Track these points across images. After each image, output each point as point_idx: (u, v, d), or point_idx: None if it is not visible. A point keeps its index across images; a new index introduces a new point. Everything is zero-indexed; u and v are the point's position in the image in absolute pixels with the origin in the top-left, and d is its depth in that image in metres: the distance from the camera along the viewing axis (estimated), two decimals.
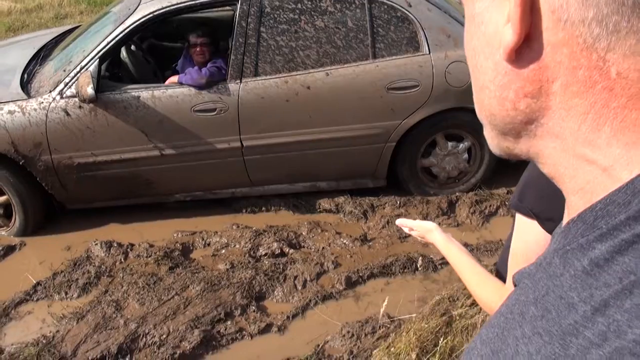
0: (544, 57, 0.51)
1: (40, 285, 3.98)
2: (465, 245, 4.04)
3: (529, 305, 0.52)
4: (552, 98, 0.53)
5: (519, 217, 1.42)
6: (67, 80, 4.18)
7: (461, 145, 4.47)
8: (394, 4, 4.07)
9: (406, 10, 4.08)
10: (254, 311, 3.66)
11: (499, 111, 0.57)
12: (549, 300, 0.50)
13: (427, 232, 1.75)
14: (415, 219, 4.21)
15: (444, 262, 3.96)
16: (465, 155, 4.53)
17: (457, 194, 4.60)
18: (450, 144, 4.46)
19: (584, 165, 0.53)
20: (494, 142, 0.62)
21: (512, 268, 1.40)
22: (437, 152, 4.50)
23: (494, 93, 0.56)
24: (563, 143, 0.54)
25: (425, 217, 4.37)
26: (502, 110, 0.56)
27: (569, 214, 0.56)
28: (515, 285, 0.61)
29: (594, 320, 0.45)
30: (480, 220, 4.35)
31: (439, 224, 4.34)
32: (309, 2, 4.10)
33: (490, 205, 4.43)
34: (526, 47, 0.52)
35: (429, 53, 4.13)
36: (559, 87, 0.52)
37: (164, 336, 3.48)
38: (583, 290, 0.48)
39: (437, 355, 3.07)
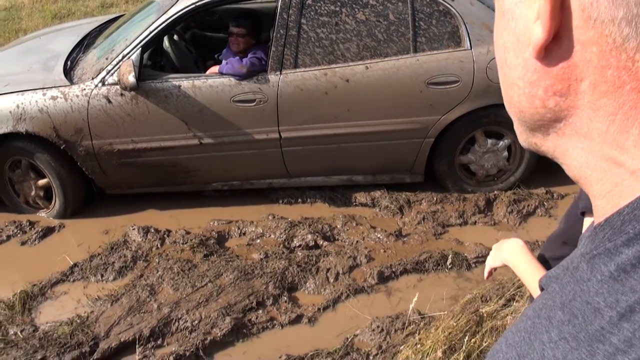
0: (573, 55, 0.51)
1: (77, 266, 4.08)
2: None
3: (556, 309, 0.52)
4: (580, 97, 0.52)
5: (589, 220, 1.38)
6: (109, 68, 4.25)
7: (501, 143, 4.41)
8: None
9: (449, 4, 4.04)
10: (285, 301, 3.68)
11: (528, 108, 0.57)
12: (576, 305, 0.50)
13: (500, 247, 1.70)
14: (451, 216, 4.22)
15: (478, 261, 3.92)
16: (505, 153, 4.46)
17: (495, 192, 4.54)
18: (489, 141, 4.40)
19: (611, 167, 0.52)
20: (523, 137, 0.62)
21: None
22: (476, 149, 4.45)
23: (523, 90, 0.56)
24: (591, 144, 0.53)
25: (462, 215, 4.33)
26: (531, 107, 0.56)
27: (596, 218, 0.55)
28: (542, 289, 0.60)
29: (620, 326, 0.45)
30: (517, 219, 4.28)
31: (475, 222, 4.30)
32: None
33: (528, 205, 4.36)
34: (555, 45, 0.51)
35: (471, 48, 4.07)
36: (587, 87, 0.51)
37: (196, 322, 3.52)
38: (609, 296, 0.47)
39: (463, 354, 3.04)
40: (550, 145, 0.58)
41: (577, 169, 0.56)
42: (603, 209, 0.53)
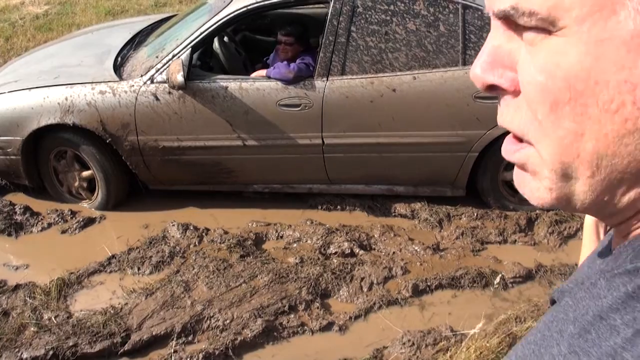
0: None
1: (115, 258, 4.15)
2: (539, 266, 3.94)
3: (568, 323, 0.52)
4: None
5: None
6: (159, 66, 4.32)
7: None
8: None
9: None
10: (317, 308, 3.68)
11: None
12: (589, 320, 0.50)
13: None
14: (491, 233, 4.17)
15: (515, 281, 3.86)
16: None
17: (537, 211, 4.46)
18: None
19: None
20: (614, 201, 0.54)
21: None
22: None
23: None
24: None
25: (502, 232, 4.27)
26: None
27: (616, 236, 0.55)
28: (552, 302, 0.61)
29: (635, 343, 0.45)
30: (557, 241, 4.20)
31: (515, 241, 4.24)
32: (402, 4, 4.07)
33: (569, 227, 4.28)
34: None
35: None
36: None
37: (228, 321, 3.54)
38: (626, 314, 0.47)
39: None
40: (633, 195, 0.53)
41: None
42: (624, 230, 0.54)
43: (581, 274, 0.57)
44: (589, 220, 1.24)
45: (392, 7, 4.09)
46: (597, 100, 0.49)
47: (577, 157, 0.52)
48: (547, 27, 0.50)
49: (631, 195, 0.52)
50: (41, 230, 4.55)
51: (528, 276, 3.88)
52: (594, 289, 0.52)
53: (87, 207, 4.77)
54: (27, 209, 4.70)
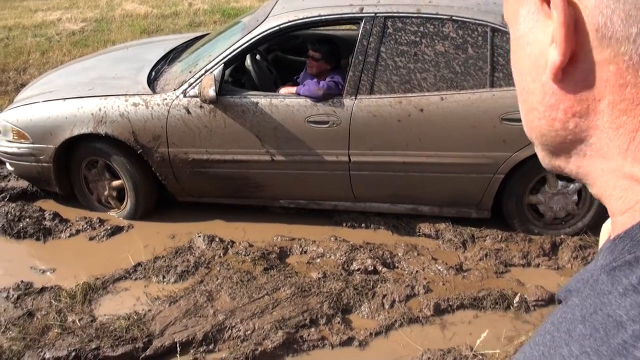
0: (591, 75, 0.51)
1: (141, 266, 4.21)
2: None
3: (577, 323, 0.51)
4: (599, 117, 0.52)
5: None
6: (191, 80, 4.40)
7: (571, 186, 4.32)
8: None
9: None
10: (338, 322, 3.68)
11: (549, 131, 0.57)
12: (597, 318, 0.49)
13: None
14: (514, 255, 4.15)
15: (537, 305, 3.83)
16: (575, 197, 4.36)
17: (562, 236, 4.43)
18: (560, 183, 4.32)
19: (633, 185, 0.52)
20: (546, 161, 0.62)
21: None
22: (546, 189, 4.37)
23: (542, 114, 0.57)
24: (611, 163, 0.53)
25: (525, 256, 4.25)
26: (552, 130, 0.57)
27: (614, 231, 0.55)
28: (559, 302, 0.60)
29: None
30: (581, 266, 4.16)
31: (539, 265, 4.21)
32: (432, 26, 4.12)
33: (594, 253, 4.24)
34: (572, 67, 0.52)
35: None
36: (606, 106, 0.52)
37: (249, 332, 3.56)
38: (632, 309, 0.47)
39: None
40: (572, 167, 0.59)
41: (598, 187, 0.56)
42: (623, 224, 0.53)
43: (586, 271, 0.57)
44: (605, 229, 1.26)
45: (421, 29, 4.13)
46: (517, 84, 0.61)
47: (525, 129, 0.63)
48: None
49: (572, 162, 0.59)
50: (69, 237, 4.64)
51: (550, 300, 3.85)
52: (597, 285, 0.52)
53: (115, 216, 4.86)
54: (56, 215, 4.81)
